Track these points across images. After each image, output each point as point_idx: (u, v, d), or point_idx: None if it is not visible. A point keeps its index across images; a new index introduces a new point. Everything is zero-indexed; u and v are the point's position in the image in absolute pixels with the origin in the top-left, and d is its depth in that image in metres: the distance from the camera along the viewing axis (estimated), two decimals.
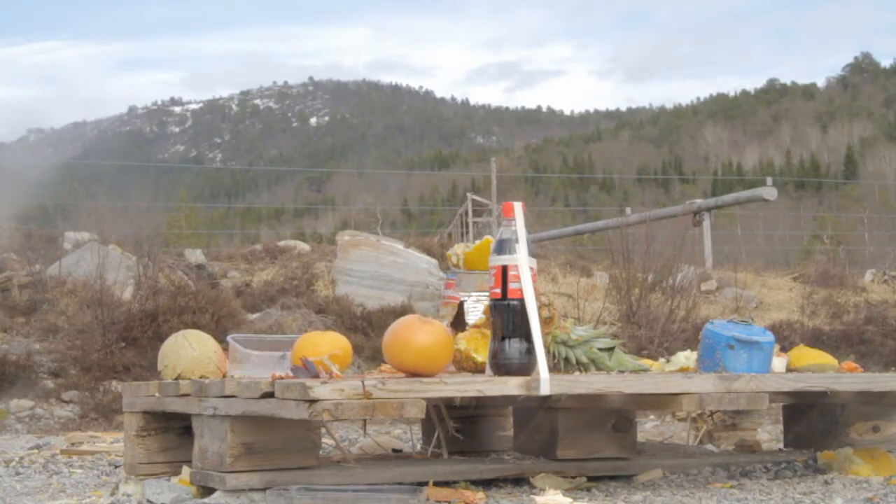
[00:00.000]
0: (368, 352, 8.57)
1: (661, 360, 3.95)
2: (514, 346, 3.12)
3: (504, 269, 3.13)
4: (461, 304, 3.68)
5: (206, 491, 3.21)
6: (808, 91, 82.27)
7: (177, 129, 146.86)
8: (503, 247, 3.15)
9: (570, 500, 3.03)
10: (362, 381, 2.86)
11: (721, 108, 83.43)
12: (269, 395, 2.97)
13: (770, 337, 3.66)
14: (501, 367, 3.12)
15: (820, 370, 3.88)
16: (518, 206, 3.16)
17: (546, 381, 3.04)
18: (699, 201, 15.23)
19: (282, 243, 12.63)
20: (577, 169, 63.10)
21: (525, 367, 3.11)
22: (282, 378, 3.03)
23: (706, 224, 13.95)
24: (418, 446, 4.29)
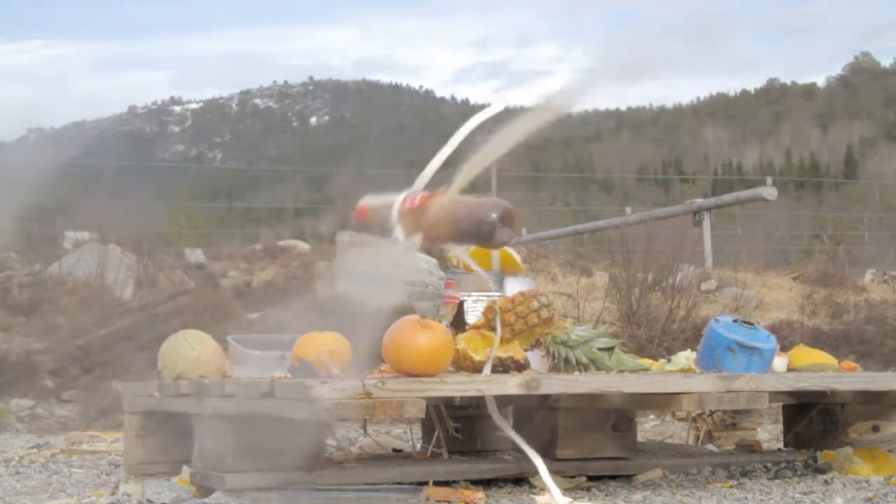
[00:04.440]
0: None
1: (662, 360, 3.95)
2: None
3: None
4: (461, 304, 3.68)
5: (206, 491, 3.21)
6: (809, 91, 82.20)
7: (177, 129, 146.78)
8: None
9: (569, 499, 3.03)
10: (362, 381, 2.86)
11: (721, 108, 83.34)
12: (269, 395, 2.97)
13: (772, 344, 3.66)
14: None
15: (820, 370, 3.88)
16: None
17: None
18: (699, 201, 15.19)
19: (282, 243, 12.64)
20: (577, 169, 63.05)
21: None
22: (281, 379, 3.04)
23: (706, 224, 13.92)
24: (418, 446, 4.29)
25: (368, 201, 3.33)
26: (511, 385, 3.07)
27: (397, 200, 3.17)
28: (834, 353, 4.75)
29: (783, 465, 3.87)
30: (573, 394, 3.22)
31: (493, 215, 3.00)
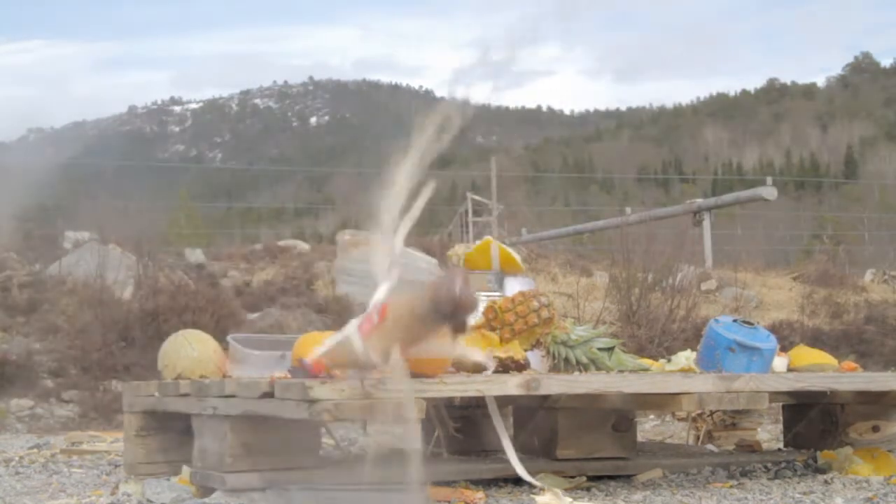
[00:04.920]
0: None
1: (662, 360, 3.95)
2: None
3: None
4: None
5: (206, 491, 3.21)
6: (809, 91, 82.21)
7: (177, 129, 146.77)
8: None
9: (570, 499, 3.03)
10: (362, 381, 2.86)
11: (721, 108, 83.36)
12: (269, 395, 2.97)
13: (772, 343, 3.66)
14: None
15: (820, 370, 3.88)
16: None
17: None
18: (699, 201, 15.22)
19: (282, 243, 12.65)
20: (577, 169, 63.05)
21: None
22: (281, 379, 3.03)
23: (706, 224, 13.95)
24: None
25: (317, 353, 2.96)
26: (511, 385, 3.07)
27: (352, 331, 2.83)
28: (834, 353, 4.75)
29: (783, 465, 3.87)
30: (573, 394, 3.21)
31: (456, 284, 2.84)
